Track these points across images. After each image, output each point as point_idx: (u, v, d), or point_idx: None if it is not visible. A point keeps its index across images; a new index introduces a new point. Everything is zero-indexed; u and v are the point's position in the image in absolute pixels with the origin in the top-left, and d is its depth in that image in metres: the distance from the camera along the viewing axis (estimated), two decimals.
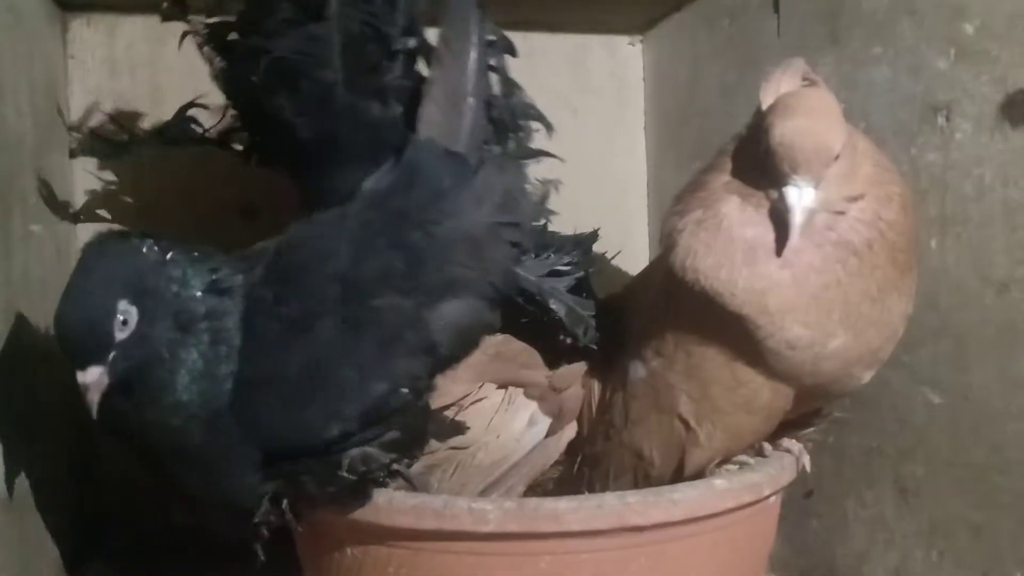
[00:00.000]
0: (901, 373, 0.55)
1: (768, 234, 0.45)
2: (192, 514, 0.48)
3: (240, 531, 0.46)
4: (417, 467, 0.51)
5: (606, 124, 0.86)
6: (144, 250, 0.42)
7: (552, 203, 0.55)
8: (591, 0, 0.78)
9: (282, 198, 0.66)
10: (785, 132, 0.44)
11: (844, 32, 0.59)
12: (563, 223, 0.56)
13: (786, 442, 0.54)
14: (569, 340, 0.55)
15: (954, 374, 0.52)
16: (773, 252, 0.45)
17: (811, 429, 0.55)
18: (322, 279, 0.45)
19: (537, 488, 0.57)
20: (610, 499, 0.46)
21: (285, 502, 0.45)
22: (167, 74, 0.74)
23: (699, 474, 0.51)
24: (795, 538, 0.64)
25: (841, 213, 0.45)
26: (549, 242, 0.54)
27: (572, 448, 0.58)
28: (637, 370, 0.54)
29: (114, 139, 0.58)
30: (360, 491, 0.45)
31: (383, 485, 0.47)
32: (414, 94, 0.50)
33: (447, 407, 0.52)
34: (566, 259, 0.54)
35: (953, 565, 0.53)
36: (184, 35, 0.52)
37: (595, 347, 0.55)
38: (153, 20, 0.74)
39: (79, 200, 0.72)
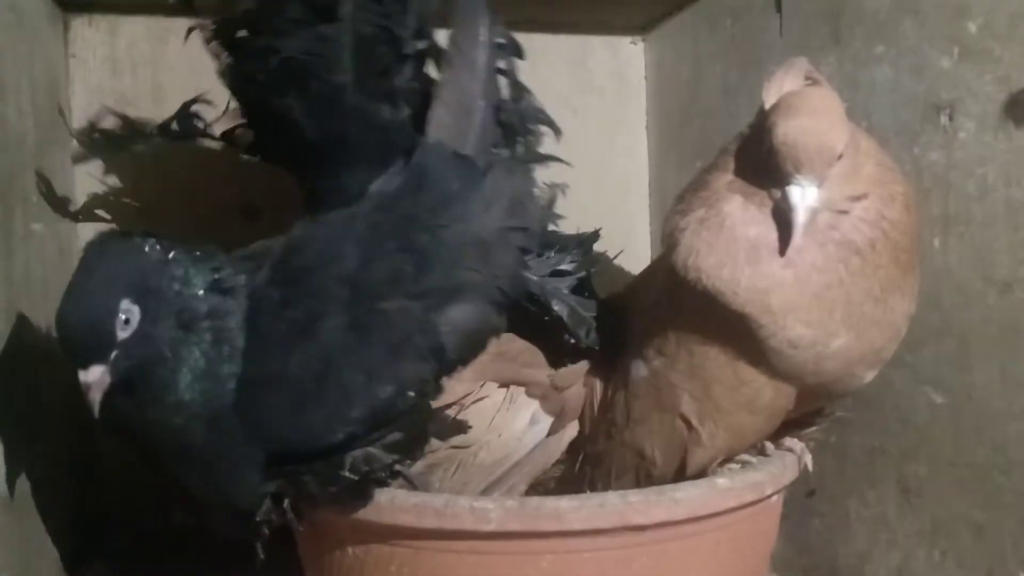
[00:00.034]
0: (903, 373, 0.54)
1: (771, 233, 0.45)
2: (193, 514, 0.48)
3: (241, 531, 0.46)
4: (418, 466, 0.51)
5: (608, 124, 0.86)
6: (146, 249, 0.42)
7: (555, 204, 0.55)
8: None
9: (283, 198, 0.66)
10: (788, 131, 0.44)
11: (846, 31, 0.59)
12: (565, 223, 0.56)
13: (788, 441, 0.54)
14: (572, 340, 0.55)
15: (957, 374, 0.52)
16: (776, 251, 0.45)
17: (813, 428, 0.55)
18: (330, 281, 0.45)
19: (539, 487, 0.57)
20: (612, 498, 0.45)
21: (286, 502, 0.45)
22: (168, 73, 0.74)
23: (701, 473, 0.51)
24: (797, 537, 0.64)
25: (844, 212, 0.45)
26: (551, 241, 0.54)
27: (574, 447, 0.58)
28: (639, 369, 0.53)
29: (116, 133, 0.57)
30: (362, 491, 0.45)
31: (385, 485, 0.47)
32: (423, 96, 0.50)
33: (448, 406, 0.52)
34: (568, 259, 0.54)
35: (955, 565, 0.53)
36: (190, 30, 0.51)
37: (596, 347, 0.55)
38: (155, 19, 0.74)
39: (80, 199, 0.72)
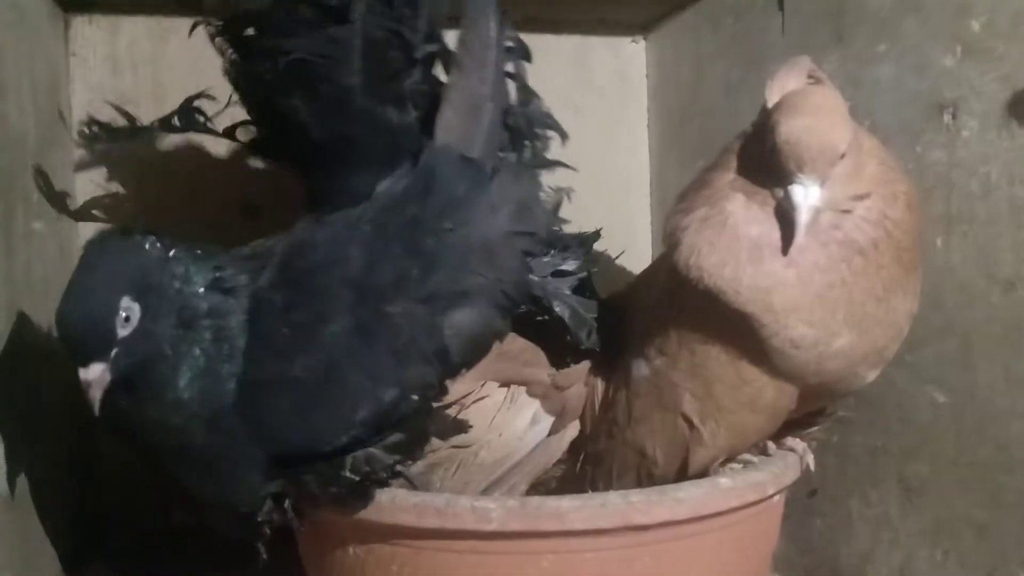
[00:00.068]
0: (906, 372, 0.54)
1: (773, 232, 0.45)
2: (193, 514, 0.48)
3: (241, 531, 0.46)
4: (419, 466, 0.51)
5: (609, 123, 0.86)
6: (147, 247, 0.42)
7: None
8: None
9: (284, 197, 0.66)
10: (791, 130, 0.44)
11: (849, 30, 0.59)
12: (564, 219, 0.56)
13: (790, 441, 0.54)
14: (573, 341, 0.55)
15: (959, 373, 0.52)
16: (778, 250, 0.45)
17: (815, 428, 0.55)
18: (334, 284, 0.45)
19: (540, 487, 0.57)
20: (614, 498, 0.45)
21: (287, 502, 0.45)
22: (169, 72, 0.74)
23: (703, 473, 0.51)
24: (799, 537, 0.64)
25: (847, 212, 0.45)
26: (552, 241, 0.54)
27: (575, 447, 0.58)
28: (640, 368, 0.53)
29: (116, 127, 0.57)
30: (363, 491, 0.45)
31: (385, 485, 0.47)
32: (431, 99, 0.50)
33: (449, 405, 0.52)
34: (569, 258, 0.54)
35: (958, 565, 0.53)
36: (195, 26, 0.51)
37: (597, 349, 0.55)
38: (155, 18, 0.74)
39: (81, 198, 0.72)
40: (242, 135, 0.55)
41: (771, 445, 0.53)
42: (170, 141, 0.73)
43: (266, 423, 0.43)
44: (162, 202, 0.73)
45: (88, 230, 0.70)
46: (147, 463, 0.46)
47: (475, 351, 0.48)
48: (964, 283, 0.52)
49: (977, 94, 0.50)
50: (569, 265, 0.53)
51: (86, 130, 0.57)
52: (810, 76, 0.49)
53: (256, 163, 0.74)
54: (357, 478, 0.44)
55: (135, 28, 0.74)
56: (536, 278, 0.51)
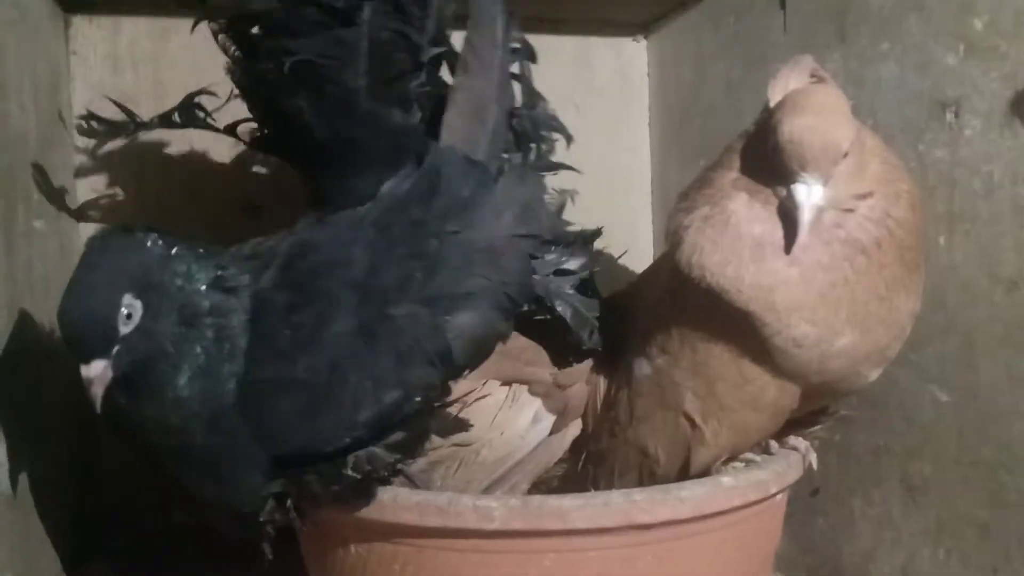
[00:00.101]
0: (908, 371, 0.54)
1: (776, 231, 0.45)
2: (193, 514, 0.48)
3: (242, 531, 0.46)
4: (420, 464, 0.51)
5: (610, 122, 0.86)
6: (149, 244, 0.42)
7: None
8: None
9: (285, 196, 0.66)
10: (794, 129, 0.44)
11: (851, 29, 0.59)
12: (567, 221, 0.56)
13: (793, 440, 0.54)
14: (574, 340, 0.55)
15: (962, 372, 0.52)
16: (781, 249, 0.45)
17: (818, 427, 0.55)
18: (337, 286, 0.44)
19: (541, 486, 0.57)
20: (616, 497, 0.45)
21: (289, 501, 0.45)
22: (170, 70, 0.74)
23: (705, 472, 0.51)
24: (801, 536, 0.64)
25: (850, 211, 0.45)
26: (554, 239, 0.54)
27: (576, 446, 0.58)
28: (642, 367, 0.53)
29: (115, 121, 0.57)
30: (365, 490, 0.45)
31: (387, 483, 0.46)
32: (436, 100, 0.50)
33: (450, 403, 0.52)
34: (571, 257, 0.54)
35: (960, 564, 0.53)
36: (197, 23, 0.51)
37: (599, 348, 0.55)
38: (156, 16, 0.74)
39: (82, 197, 0.72)
40: (244, 132, 0.55)
41: (773, 444, 0.53)
42: (171, 140, 0.73)
43: (268, 424, 0.43)
44: (163, 201, 0.73)
45: (89, 229, 0.70)
46: (147, 462, 0.46)
47: (478, 352, 0.48)
48: (966, 282, 0.52)
49: (980, 93, 0.50)
50: (571, 264, 0.53)
51: (84, 125, 0.57)
52: (813, 75, 0.48)
53: (257, 162, 0.74)
54: (359, 476, 0.44)
55: (136, 27, 0.74)
56: (538, 277, 0.51)
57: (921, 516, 0.55)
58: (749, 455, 0.53)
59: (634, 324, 0.56)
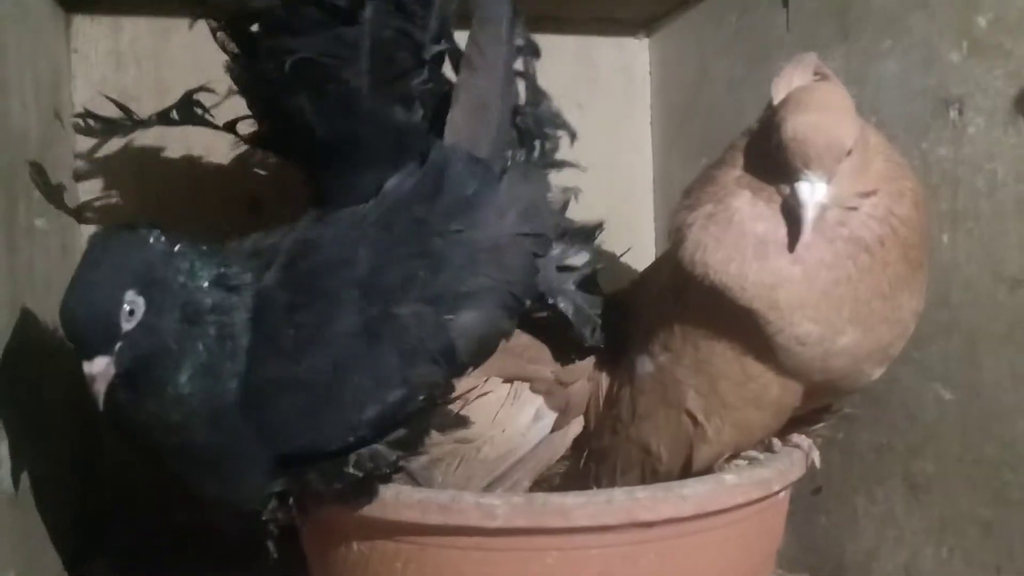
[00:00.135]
0: (911, 369, 0.54)
1: (779, 229, 0.45)
2: (195, 512, 0.48)
3: (244, 529, 0.46)
4: (421, 461, 0.51)
5: (612, 120, 0.85)
6: (151, 241, 0.42)
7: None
8: None
9: (287, 193, 0.65)
10: (797, 127, 0.44)
11: (854, 26, 0.59)
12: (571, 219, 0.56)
13: (795, 438, 0.54)
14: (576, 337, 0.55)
15: (965, 370, 0.52)
16: (784, 247, 0.45)
17: (821, 425, 0.55)
18: (341, 285, 0.44)
19: (543, 483, 0.57)
20: (619, 494, 0.45)
21: (291, 500, 0.45)
22: (171, 68, 0.74)
23: (707, 470, 0.51)
24: (804, 534, 0.64)
25: (853, 209, 0.45)
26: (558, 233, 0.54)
27: (578, 443, 0.58)
28: (644, 365, 0.53)
29: (114, 120, 0.56)
30: (366, 488, 0.45)
31: (388, 481, 0.46)
32: (439, 97, 0.49)
33: (452, 400, 0.52)
34: (573, 252, 0.53)
35: (963, 562, 0.53)
36: (195, 20, 0.51)
37: (601, 346, 0.55)
38: (157, 16, 0.74)
39: (83, 195, 0.71)
40: (243, 130, 0.55)
41: (776, 442, 0.53)
42: (172, 137, 0.73)
43: (271, 423, 0.43)
44: (164, 199, 0.73)
45: (90, 227, 0.70)
46: (149, 460, 0.45)
47: (481, 351, 0.48)
48: (970, 280, 0.51)
49: (984, 90, 0.50)
50: (574, 260, 0.53)
51: (82, 123, 0.56)
52: (816, 72, 0.48)
53: (258, 160, 0.74)
54: (361, 474, 0.44)
55: (137, 24, 0.74)
56: (541, 273, 0.51)
57: (924, 514, 0.55)
58: (752, 453, 0.53)
59: (636, 322, 0.55)
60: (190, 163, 0.73)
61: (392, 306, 0.44)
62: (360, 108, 0.47)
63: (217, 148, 0.73)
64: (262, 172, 0.74)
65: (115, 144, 0.71)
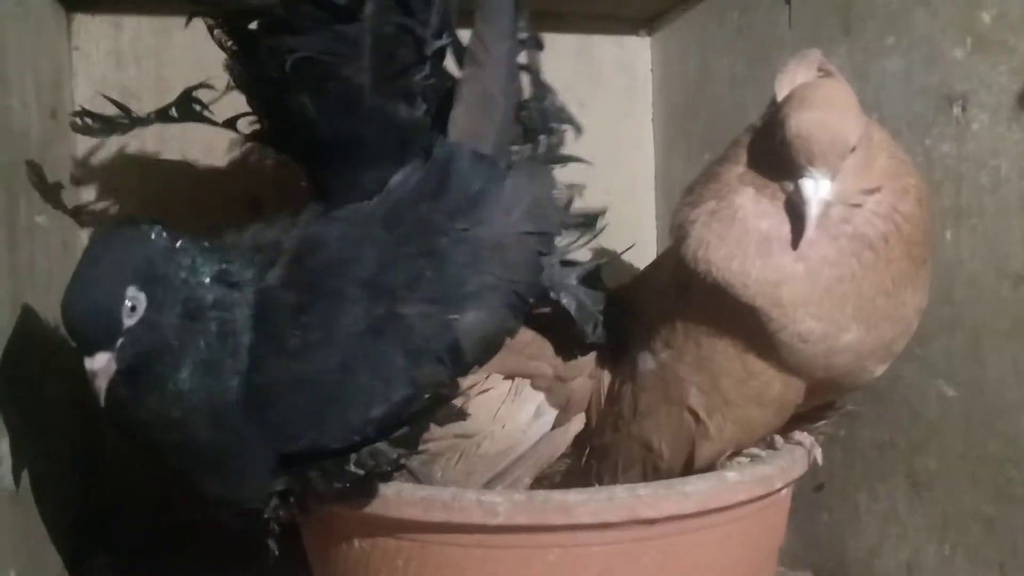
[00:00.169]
0: (914, 366, 0.54)
1: (783, 226, 0.45)
2: (197, 509, 0.48)
3: (246, 526, 0.46)
4: (420, 457, 0.51)
5: (614, 117, 0.85)
6: (153, 236, 0.42)
7: None
8: None
9: (288, 192, 0.65)
10: (801, 124, 0.43)
11: (857, 22, 0.59)
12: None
13: (798, 435, 0.53)
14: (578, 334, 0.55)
15: (968, 367, 0.52)
16: (788, 244, 0.45)
17: (823, 422, 0.55)
18: (347, 285, 0.44)
19: (544, 481, 0.57)
20: (621, 492, 0.45)
21: (293, 498, 0.45)
22: (172, 67, 0.73)
23: (709, 467, 0.51)
24: (806, 532, 0.64)
25: (857, 206, 0.45)
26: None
27: (580, 440, 0.58)
28: (646, 361, 0.53)
29: (113, 118, 0.56)
30: (367, 487, 0.45)
31: (388, 479, 0.46)
32: (442, 93, 0.49)
33: (455, 397, 0.52)
34: (576, 242, 0.53)
35: (966, 559, 0.53)
36: (191, 16, 0.50)
37: (602, 343, 0.55)
38: (157, 15, 0.74)
39: (84, 193, 0.71)
40: (244, 126, 0.55)
41: (778, 439, 0.53)
42: (172, 137, 0.73)
43: (276, 422, 0.43)
44: (164, 198, 0.72)
45: (90, 225, 0.70)
46: (151, 457, 0.45)
47: (487, 350, 0.48)
48: (973, 277, 0.51)
49: (987, 87, 0.50)
50: (578, 255, 0.53)
51: (79, 122, 0.56)
52: (820, 69, 0.48)
53: (259, 157, 0.74)
54: (362, 472, 0.44)
55: (138, 23, 0.74)
56: (545, 269, 0.51)
57: (927, 511, 0.55)
58: (754, 450, 0.53)
59: (638, 318, 0.55)
60: (190, 162, 0.73)
61: (398, 306, 0.44)
62: (362, 105, 0.47)
63: (217, 147, 0.73)
64: (263, 169, 0.74)
65: (115, 143, 0.71)
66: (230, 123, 0.55)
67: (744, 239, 0.45)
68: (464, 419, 0.51)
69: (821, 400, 0.52)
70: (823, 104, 0.44)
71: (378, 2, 0.46)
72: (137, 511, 0.70)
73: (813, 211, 0.44)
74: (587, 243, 0.54)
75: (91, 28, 0.73)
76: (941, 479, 0.54)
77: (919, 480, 0.56)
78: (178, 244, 0.42)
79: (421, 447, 0.49)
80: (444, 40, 0.49)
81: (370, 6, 0.45)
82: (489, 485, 0.54)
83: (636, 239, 0.68)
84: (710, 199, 0.47)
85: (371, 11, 0.46)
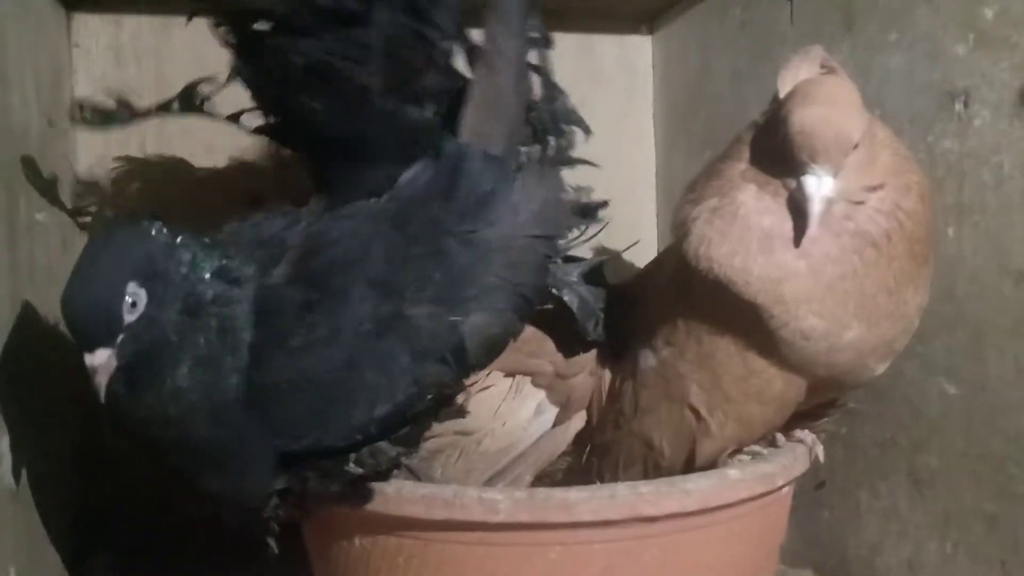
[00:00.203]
0: (915, 364, 0.54)
1: (785, 223, 0.45)
2: (196, 507, 0.48)
3: (246, 524, 0.46)
4: (421, 453, 0.51)
5: (615, 114, 0.85)
6: (153, 232, 0.42)
7: None
8: None
9: (288, 191, 0.65)
10: (804, 120, 0.43)
11: (859, 18, 0.59)
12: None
13: (799, 432, 0.53)
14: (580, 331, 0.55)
15: (970, 364, 0.52)
16: (790, 241, 0.45)
17: (824, 420, 0.55)
18: (354, 284, 0.44)
19: (545, 479, 0.57)
20: (622, 489, 0.45)
21: (293, 497, 0.45)
22: (172, 64, 0.73)
23: (710, 464, 0.51)
24: (807, 529, 0.64)
25: (860, 203, 0.45)
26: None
27: (581, 438, 0.58)
28: (647, 359, 0.53)
29: (111, 110, 0.56)
30: (361, 490, 0.45)
31: (387, 478, 0.46)
32: (451, 93, 0.49)
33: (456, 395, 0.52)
34: (578, 238, 0.53)
35: (968, 557, 0.53)
36: (192, 14, 0.50)
37: (603, 340, 0.55)
38: (158, 8, 0.73)
39: (84, 190, 0.71)
40: (247, 121, 0.54)
41: (780, 437, 0.53)
42: (173, 135, 0.73)
43: (279, 420, 0.43)
44: (165, 197, 0.72)
45: (90, 222, 0.70)
46: (150, 454, 0.45)
47: (491, 352, 0.47)
48: (975, 274, 0.51)
49: (989, 83, 0.50)
50: (578, 252, 0.53)
51: (79, 114, 0.56)
52: (823, 65, 0.48)
53: (261, 154, 0.73)
54: (361, 470, 0.44)
55: (139, 19, 0.74)
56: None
57: (928, 509, 0.55)
58: (755, 448, 0.53)
59: (639, 316, 0.55)
60: (191, 161, 0.73)
61: (405, 306, 0.44)
62: (370, 107, 0.47)
63: (218, 146, 0.73)
64: (263, 170, 0.74)
65: (116, 141, 0.71)
66: (234, 118, 0.54)
67: (746, 236, 0.45)
68: (463, 416, 0.51)
69: (822, 398, 0.52)
70: (826, 101, 0.44)
71: (388, 6, 0.45)
72: (137, 510, 0.70)
73: (816, 208, 0.43)
74: (590, 238, 0.53)
75: (91, 25, 0.73)
76: (942, 477, 0.54)
77: (920, 478, 0.56)
78: (178, 240, 0.42)
79: (421, 445, 0.49)
80: (455, 41, 0.49)
81: (380, 10, 0.45)
82: (490, 483, 0.54)
83: (637, 237, 0.68)
84: (712, 196, 0.47)
85: (381, 15, 0.45)
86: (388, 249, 0.45)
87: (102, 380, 0.40)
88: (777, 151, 0.45)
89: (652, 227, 0.86)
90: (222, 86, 0.52)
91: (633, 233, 0.68)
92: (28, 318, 0.55)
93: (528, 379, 0.57)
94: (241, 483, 0.44)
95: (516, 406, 0.56)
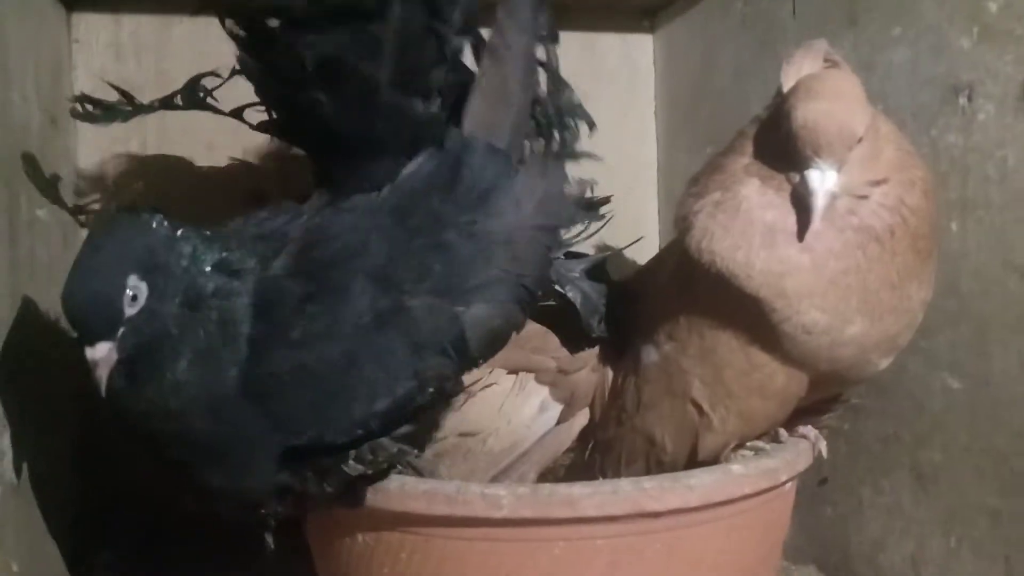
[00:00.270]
0: (919, 359, 0.54)
1: (788, 217, 0.45)
2: (199, 502, 0.48)
3: (245, 519, 0.46)
4: (426, 455, 0.50)
5: (617, 109, 0.85)
6: (154, 225, 0.42)
7: None
8: None
9: (291, 188, 0.65)
10: (808, 115, 0.43)
11: (863, 13, 0.58)
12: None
13: (802, 428, 0.53)
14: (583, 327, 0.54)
15: (974, 360, 0.52)
16: (793, 236, 0.45)
17: (827, 415, 0.55)
18: (355, 277, 0.44)
19: (548, 476, 0.57)
20: (625, 485, 0.45)
21: (292, 494, 0.45)
22: (172, 59, 0.73)
23: (713, 460, 0.51)
24: (810, 525, 0.64)
25: (863, 197, 0.45)
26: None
27: (583, 435, 0.58)
28: (650, 354, 0.53)
29: (112, 104, 0.55)
30: (356, 493, 0.45)
31: (386, 477, 0.46)
32: (458, 86, 0.49)
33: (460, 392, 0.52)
34: (580, 234, 0.53)
35: (971, 552, 0.52)
36: (199, 7, 0.50)
37: (605, 336, 0.55)
38: (159, 4, 0.73)
39: (84, 186, 0.71)
40: (250, 115, 0.54)
41: (783, 432, 0.53)
42: (175, 132, 0.72)
43: (280, 413, 0.43)
44: (167, 194, 0.72)
45: (91, 218, 0.70)
46: (151, 448, 0.45)
47: (493, 344, 0.47)
48: (979, 269, 0.51)
49: (994, 77, 0.50)
50: (581, 248, 0.53)
51: (79, 108, 0.55)
52: (826, 60, 0.48)
53: (264, 150, 0.73)
54: (361, 467, 0.44)
55: (138, 16, 0.74)
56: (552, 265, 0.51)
57: (931, 504, 0.55)
58: (758, 443, 0.53)
59: (641, 312, 0.55)
60: (192, 159, 0.73)
61: (405, 298, 0.43)
62: (378, 101, 0.47)
63: (219, 143, 0.73)
64: (265, 166, 0.74)
65: (117, 138, 0.71)
66: (237, 113, 0.54)
67: (749, 230, 0.45)
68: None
69: (825, 393, 0.52)
70: (830, 95, 0.44)
71: (404, 2, 0.45)
72: (139, 507, 0.70)
73: (819, 202, 0.43)
74: (593, 234, 0.53)
75: (91, 20, 0.73)
76: (946, 472, 0.54)
77: (924, 473, 0.55)
78: (179, 233, 0.42)
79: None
80: (466, 37, 0.49)
81: (396, 7, 0.45)
82: (494, 481, 0.54)
83: (639, 232, 0.67)
84: (715, 190, 0.47)
85: (397, 12, 0.45)
86: (389, 241, 0.45)
87: (103, 374, 0.40)
88: (780, 146, 0.45)
89: (654, 223, 0.86)
90: (226, 80, 0.52)
91: (635, 229, 0.68)
92: (29, 315, 0.55)
93: (531, 376, 0.57)
94: (241, 478, 0.44)
95: (520, 403, 0.56)
